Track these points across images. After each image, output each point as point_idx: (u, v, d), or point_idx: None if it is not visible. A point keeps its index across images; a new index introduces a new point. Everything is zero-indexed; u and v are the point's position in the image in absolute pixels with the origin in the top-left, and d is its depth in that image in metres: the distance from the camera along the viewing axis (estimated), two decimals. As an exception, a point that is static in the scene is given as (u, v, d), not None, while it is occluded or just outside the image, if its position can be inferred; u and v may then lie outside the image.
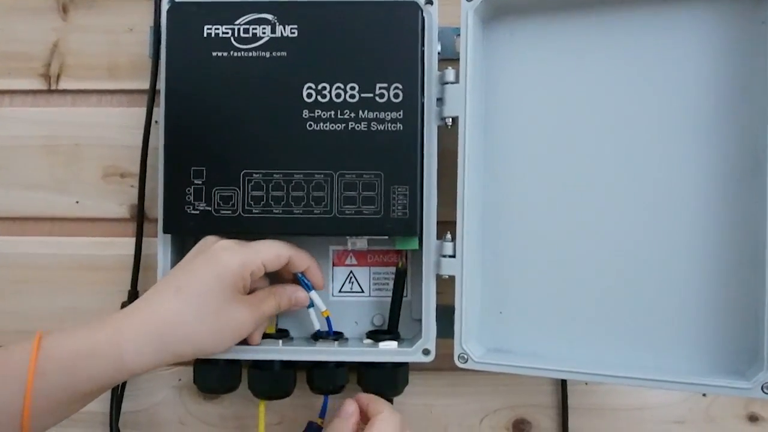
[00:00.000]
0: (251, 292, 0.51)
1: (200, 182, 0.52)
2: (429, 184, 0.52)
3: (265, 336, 0.55)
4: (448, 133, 0.53)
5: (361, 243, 0.54)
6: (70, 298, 0.60)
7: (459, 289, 0.51)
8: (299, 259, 0.51)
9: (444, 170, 0.53)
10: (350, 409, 0.51)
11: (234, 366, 0.55)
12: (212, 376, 0.55)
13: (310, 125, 0.51)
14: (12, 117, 0.61)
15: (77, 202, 0.61)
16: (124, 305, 0.59)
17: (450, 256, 0.52)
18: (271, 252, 0.50)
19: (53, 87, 0.61)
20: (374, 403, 0.51)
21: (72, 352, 0.44)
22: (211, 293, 0.47)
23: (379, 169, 0.51)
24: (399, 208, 0.51)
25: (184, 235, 0.54)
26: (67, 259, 0.61)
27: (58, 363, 0.43)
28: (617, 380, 0.48)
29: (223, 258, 0.48)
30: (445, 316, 0.53)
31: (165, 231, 0.52)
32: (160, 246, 0.54)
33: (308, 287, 0.52)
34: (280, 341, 0.54)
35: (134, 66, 0.61)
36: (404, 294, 0.57)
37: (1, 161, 0.61)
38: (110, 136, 0.61)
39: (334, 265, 0.58)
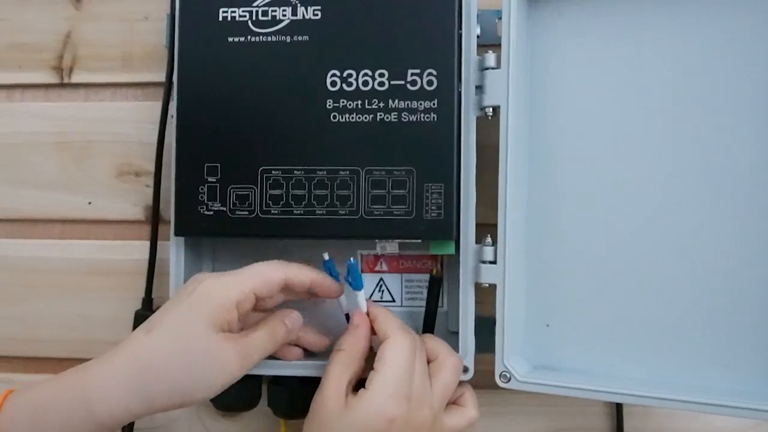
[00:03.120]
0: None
1: (214, 180, 0.47)
2: (467, 181, 0.47)
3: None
4: (489, 125, 0.47)
5: (391, 247, 0.49)
6: (80, 305, 0.56)
7: (501, 299, 0.46)
8: (298, 276, 0.44)
9: (484, 166, 0.47)
10: (357, 320, 0.46)
11: (253, 381, 0.51)
12: (229, 392, 0.50)
13: (335, 116, 0.46)
14: (23, 112, 0.58)
15: (90, 202, 0.57)
16: (137, 314, 0.55)
17: (490, 262, 0.47)
18: (259, 277, 0.43)
19: (66, 80, 0.57)
20: (383, 323, 0.45)
21: (36, 405, 0.39)
22: (187, 329, 0.41)
23: (411, 165, 0.46)
24: (433, 208, 0.46)
25: (198, 237, 0.49)
26: (78, 263, 0.57)
27: (23, 420, 0.39)
28: (683, 405, 0.42)
29: (202, 290, 0.42)
30: (485, 328, 0.47)
31: (177, 233, 0.48)
32: (172, 249, 0.50)
33: (357, 284, 0.46)
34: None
35: (150, 57, 0.56)
36: (440, 304, 0.51)
37: (9, 158, 0.57)
38: (124, 132, 0.57)
39: (362, 271, 0.53)
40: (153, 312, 0.54)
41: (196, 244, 0.52)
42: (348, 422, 0.42)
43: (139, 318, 0.55)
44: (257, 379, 0.51)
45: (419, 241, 0.48)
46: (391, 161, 0.46)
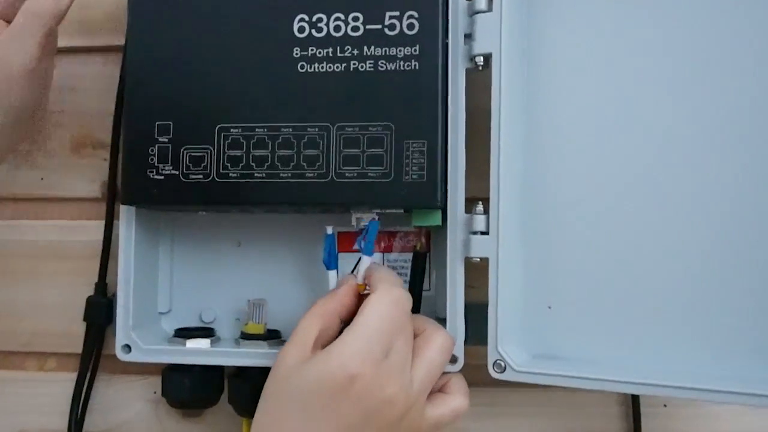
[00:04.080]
0: None
1: (166, 140, 0.41)
2: (455, 140, 0.40)
3: (250, 336, 0.44)
4: (479, 82, 0.41)
5: (368, 217, 0.43)
6: (29, 291, 0.51)
7: (494, 274, 0.39)
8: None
9: (472, 133, 0.41)
10: (343, 280, 0.41)
11: (212, 374, 0.45)
12: (183, 385, 0.44)
13: (303, 66, 0.41)
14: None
15: (42, 178, 0.51)
16: (89, 301, 0.49)
17: (482, 233, 0.40)
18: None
19: (19, 46, 0.52)
20: (374, 277, 0.40)
21: None
22: None
23: (389, 120, 0.40)
24: (414, 169, 0.39)
25: (148, 206, 0.43)
26: (29, 245, 0.51)
27: None
28: (712, 396, 0.35)
29: None
30: (478, 316, 0.41)
31: (124, 201, 0.42)
32: (122, 223, 0.44)
33: (368, 249, 0.42)
34: (266, 343, 0.43)
35: (110, 19, 0.51)
36: (426, 287, 0.45)
37: (-45, 130, 0.52)
38: (81, 101, 0.51)
39: (338, 251, 0.47)
40: (108, 298, 0.49)
41: (152, 219, 0.46)
42: (303, 375, 0.36)
43: (92, 305, 0.49)
44: (217, 371, 0.45)
45: (400, 211, 0.42)
46: (366, 116, 0.40)
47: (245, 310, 0.46)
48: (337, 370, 0.36)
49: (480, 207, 0.41)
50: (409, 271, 0.45)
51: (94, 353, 0.49)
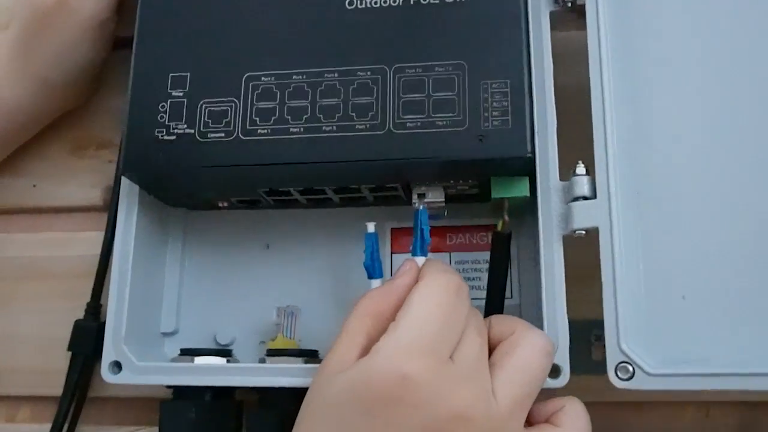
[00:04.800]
0: None
1: (181, 94, 0.33)
2: (543, 83, 0.32)
3: (280, 353, 0.33)
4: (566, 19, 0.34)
5: (434, 195, 0.33)
6: (4, 320, 0.41)
7: (607, 247, 0.29)
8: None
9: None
10: (404, 267, 0.30)
11: (226, 404, 0.34)
12: (188, 419, 0.33)
13: (351, 2, 0.33)
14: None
15: (34, 185, 0.43)
16: (77, 325, 0.39)
17: (584, 198, 0.31)
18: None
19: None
20: (424, 267, 0.30)
21: None
22: None
23: (461, 58, 0.31)
24: (495, 114, 0.31)
25: (153, 175, 0.34)
26: (5, 263, 0.42)
27: None
28: None
29: None
30: (579, 335, 0.31)
31: (125, 169, 0.33)
32: (121, 208, 0.35)
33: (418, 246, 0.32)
34: (301, 359, 0.33)
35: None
36: (507, 294, 0.35)
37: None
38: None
39: (393, 251, 0.37)
40: (100, 323, 0.39)
41: (160, 211, 0.37)
42: (342, 381, 0.27)
43: (80, 330, 0.39)
44: (233, 401, 0.34)
45: (475, 191, 0.33)
46: (431, 54, 0.32)
47: (272, 329, 0.36)
48: (384, 371, 0.26)
49: (581, 166, 0.31)
50: (482, 278, 0.35)
51: (76, 393, 0.39)
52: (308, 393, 0.28)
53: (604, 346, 0.29)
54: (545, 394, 0.29)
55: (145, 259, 0.36)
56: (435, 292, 0.28)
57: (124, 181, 0.35)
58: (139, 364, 0.33)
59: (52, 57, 0.38)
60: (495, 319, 0.30)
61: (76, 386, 0.39)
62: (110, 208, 0.40)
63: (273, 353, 0.33)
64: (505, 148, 0.30)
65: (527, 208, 0.33)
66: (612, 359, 0.28)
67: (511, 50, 0.31)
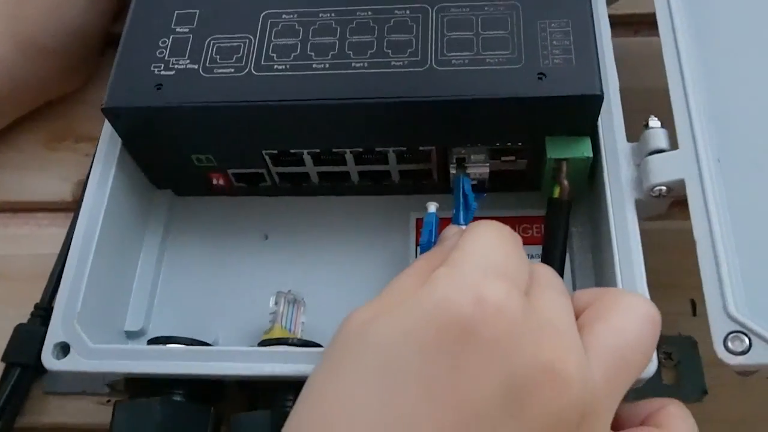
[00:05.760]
0: None
1: (186, 30, 0.28)
2: (601, 27, 0.28)
3: (273, 342, 0.26)
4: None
5: (477, 166, 0.28)
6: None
7: (699, 201, 0.24)
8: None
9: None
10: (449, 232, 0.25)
11: (201, 408, 0.26)
12: (153, 421, 0.25)
13: (387, -61, 0.30)
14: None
15: (-8, 178, 0.37)
16: (19, 329, 0.31)
17: (661, 151, 0.26)
18: None
19: None
20: None
21: None
22: None
23: (513, -1, 0.28)
24: (556, 53, 0.26)
25: (142, 115, 0.28)
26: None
27: None
28: None
29: None
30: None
31: (107, 105, 0.27)
32: (95, 168, 0.29)
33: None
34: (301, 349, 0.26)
35: None
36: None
37: None
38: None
39: (418, 243, 0.31)
40: (46, 328, 0.31)
41: (141, 185, 0.31)
42: (384, 325, 0.20)
43: (21, 334, 0.31)
44: (211, 404, 0.26)
45: (519, 156, 0.28)
46: (478, -6, 0.28)
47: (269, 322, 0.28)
48: (453, 292, 0.19)
49: (654, 120, 0.26)
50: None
51: (2, 416, 0.30)
52: (330, 344, 0.21)
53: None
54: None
55: (114, 239, 0.29)
56: (492, 227, 0.22)
57: (102, 140, 0.30)
58: (93, 346, 0.25)
59: (40, 18, 0.34)
60: (576, 292, 0.23)
61: (5, 405, 0.30)
62: (80, 197, 0.33)
63: (268, 344, 0.26)
64: (571, 85, 0.25)
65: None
66: (718, 330, 0.22)
67: (571, -8, 0.28)
